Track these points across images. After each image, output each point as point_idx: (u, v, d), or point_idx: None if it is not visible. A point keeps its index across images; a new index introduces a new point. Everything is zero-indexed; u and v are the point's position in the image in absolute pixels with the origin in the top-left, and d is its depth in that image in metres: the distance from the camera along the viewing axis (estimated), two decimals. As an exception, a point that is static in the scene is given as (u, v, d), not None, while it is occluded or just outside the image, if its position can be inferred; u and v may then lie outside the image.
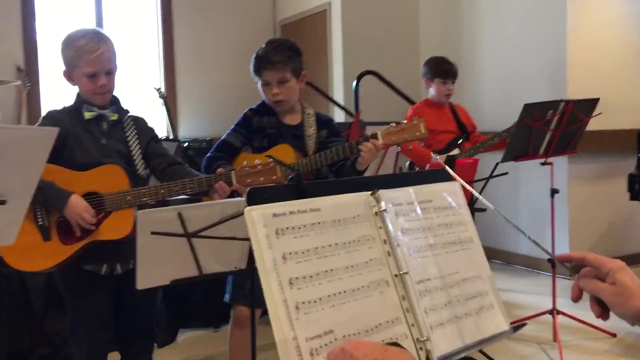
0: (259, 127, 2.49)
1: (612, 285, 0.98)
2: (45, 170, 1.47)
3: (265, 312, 3.05)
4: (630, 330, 3.32)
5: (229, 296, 2.44)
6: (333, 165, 2.45)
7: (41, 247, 2.04)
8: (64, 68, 2.19)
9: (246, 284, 2.33)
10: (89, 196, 2.06)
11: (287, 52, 2.43)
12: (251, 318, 2.06)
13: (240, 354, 2.45)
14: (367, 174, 3.16)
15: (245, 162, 2.10)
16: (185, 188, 2.09)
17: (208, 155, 2.50)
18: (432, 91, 3.94)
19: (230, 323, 2.48)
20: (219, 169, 2.18)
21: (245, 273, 2.00)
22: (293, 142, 2.45)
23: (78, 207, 2.01)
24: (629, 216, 4.87)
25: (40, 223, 2.05)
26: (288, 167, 2.06)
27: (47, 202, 2.03)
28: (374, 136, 2.25)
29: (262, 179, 2.05)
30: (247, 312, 2.35)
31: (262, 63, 2.42)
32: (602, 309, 1.00)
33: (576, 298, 1.04)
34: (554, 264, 3.37)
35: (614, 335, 3.35)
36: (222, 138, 2.53)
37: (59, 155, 2.03)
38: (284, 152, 2.37)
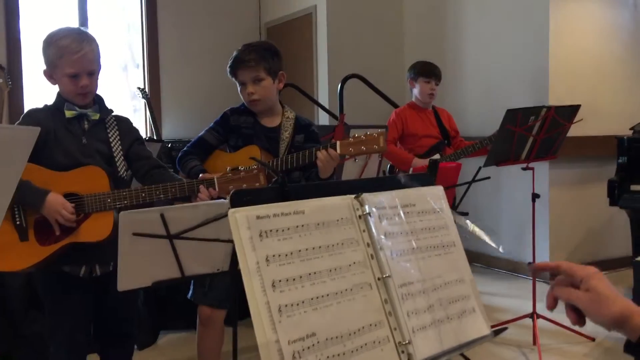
0: (235, 126, 2.51)
1: (586, 292, 0.99)
2: (24, 170, 1.45)
3: (243, 315, 3.07)
4: (609, 335, 3.35)
5: (190, 294, 2.47)
6: (304, 171, 2.47)
7: (18, 247, 2.02)
8: (44, 67, 2.16)
9: (205, 282, 2.37)
10: (69, 197, 2.04)
11: (261, 52, 2.45)
12: (231, 320, 2.06)
13: (204, 353, 2.49)
14: (350, 177, 3.17)
15: (228, 168, 2.11)
16: (166, 192, 2.08)
17: (184, 149, 2.55)
18: (415, 92, 3.97)
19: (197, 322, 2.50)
20: (201, 174, 2.17)
21: (229, 275, 2.00)
22: (267, 144, 2.47)
23: (56, 204, 1.98)
24: (609, 221, 4.93)
25: (18, 223, 2.03)
26: (270, 168, 2.07)
27: (23, 201, 2.00)
28: (333, 145, 2.27)
29: (244, 185, 2.05)
30: (208, 311, 2.42)
31: (236, 63, 2.46)
32: (578, 316, 1.01)
33: (551, 306, 1.05)
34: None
35: (593, 339, 3.39)
36: (199, 134, 2.56)
37: (38, 155, 1.99)
38: (252, 154, 2.39)
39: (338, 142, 2.26)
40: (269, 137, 2.49)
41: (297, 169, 2.39)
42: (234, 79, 2.51)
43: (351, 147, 2.24)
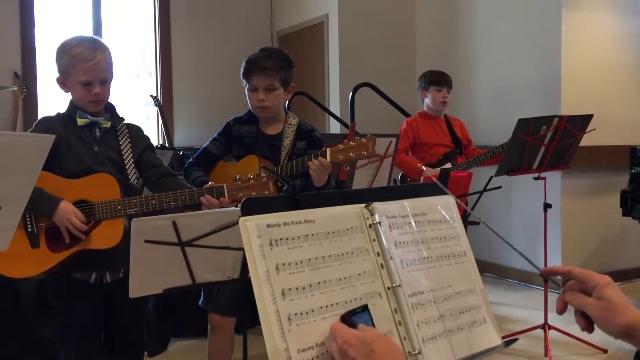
0: (237, 136, 2.52)
1: (598, 301, 0.99)
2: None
3: (253, 323, 3.06)
4: (621, 346, 3.32)
5: (201, 301, 2.50)
6: (306, 179, 2.45)
7: (28, 253, 2.03)
8: (57, 75, 2.18)
9: (213, 291, 2.39)
10: (80, 204, 2.05)
11: (280, 62, 2.45)
12: (241, 327, 2.06)
13: (214, 358, 2.52)
14: (361, 186, 3.17)
15: (237, 176, 2.11)
16: (176, 200, 2.09)
17: (189, 160, 2.57)
18: (427, 101, 3.97)
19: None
20: (210, 182, 2.19)
21: (238, 283, 2.00)
22: (268, 152, 2.47)
23: (67, 212, 2.00)
24: (622, 232, 4.89)
25: (29, 230, 2.04)
26: (280, 176, 2.08)
27: (35, 208, 2.01)
28: (323, 154, 2.27)
29: (254, 193, 2.06)
30: (217, 318, 2.45)
31: (253, 67, 2.44)
32: (587, 323, 1.02)
33: (561, 310, 1.05)
34: (546, 279, 3.39)
35: (605, 351, 3.36)
36: (204, 145, 2.58)
37: (50, 162, 2.00)
38: (252, 164, 2.39)
39: (328, 150, 2.27)
40: (271, 144, 2.49)
41: (295, 177, 2.40)
42: (244, 81, 2.49)
43: (340, 154, 2.25)
